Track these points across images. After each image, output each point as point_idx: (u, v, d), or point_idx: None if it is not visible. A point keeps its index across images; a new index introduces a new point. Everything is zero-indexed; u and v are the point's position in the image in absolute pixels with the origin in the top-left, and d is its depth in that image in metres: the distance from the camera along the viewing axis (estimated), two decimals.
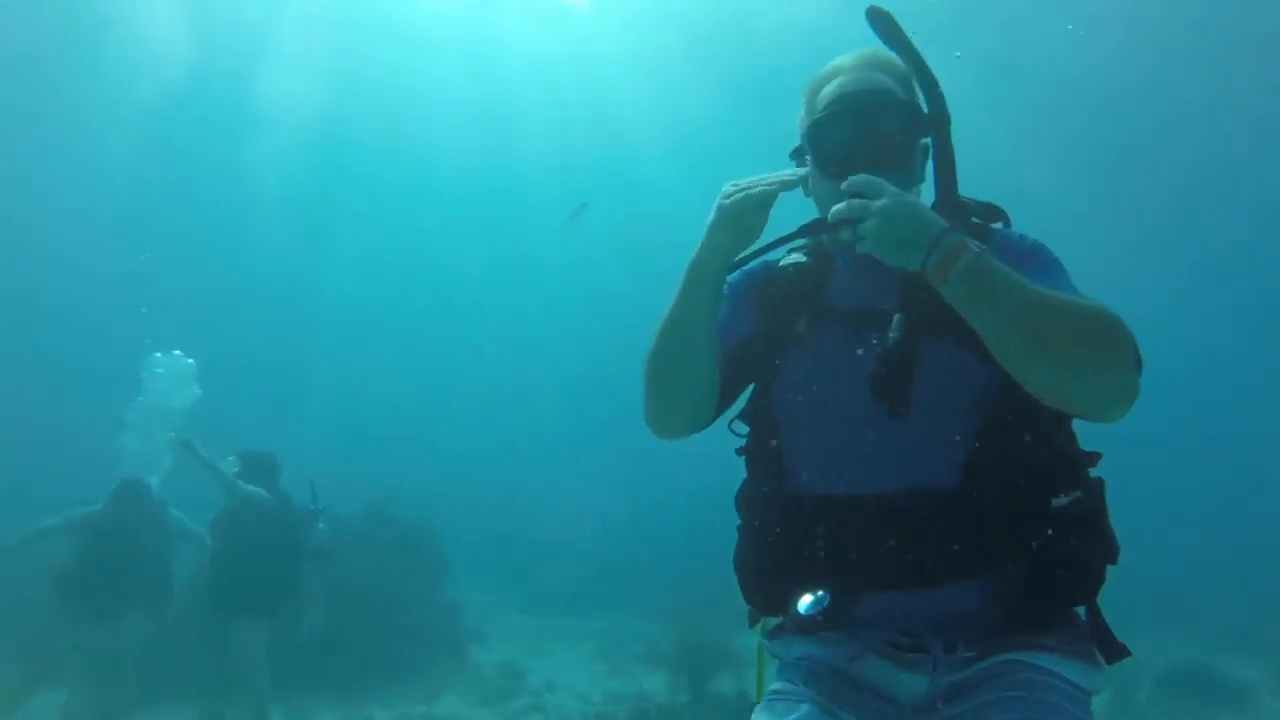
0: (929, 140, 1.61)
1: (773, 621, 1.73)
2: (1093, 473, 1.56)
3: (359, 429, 26.20)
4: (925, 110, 1.59)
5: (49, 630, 5.54)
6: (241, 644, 5.18)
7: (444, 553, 10.31)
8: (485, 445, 28.00)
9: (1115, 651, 1.53)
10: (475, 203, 26.28)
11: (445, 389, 30.59)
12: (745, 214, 1.48)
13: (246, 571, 5.05)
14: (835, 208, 1.42)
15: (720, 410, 1.66)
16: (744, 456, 1.69)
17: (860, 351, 1.54)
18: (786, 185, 1.51)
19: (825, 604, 1.51)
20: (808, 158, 1.65)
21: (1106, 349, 1.34)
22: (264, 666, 5.27)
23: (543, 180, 23.86)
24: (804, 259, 1.70)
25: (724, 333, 1.62)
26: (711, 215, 1.51)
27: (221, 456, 5.67)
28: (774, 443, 1.62)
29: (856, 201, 1.39)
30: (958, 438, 1.49)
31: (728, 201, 1.49)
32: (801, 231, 1.65)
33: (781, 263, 1.71)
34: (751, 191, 1.49)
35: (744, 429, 1.70)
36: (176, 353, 9.30)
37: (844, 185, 1.42)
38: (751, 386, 1.70)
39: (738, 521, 1.71)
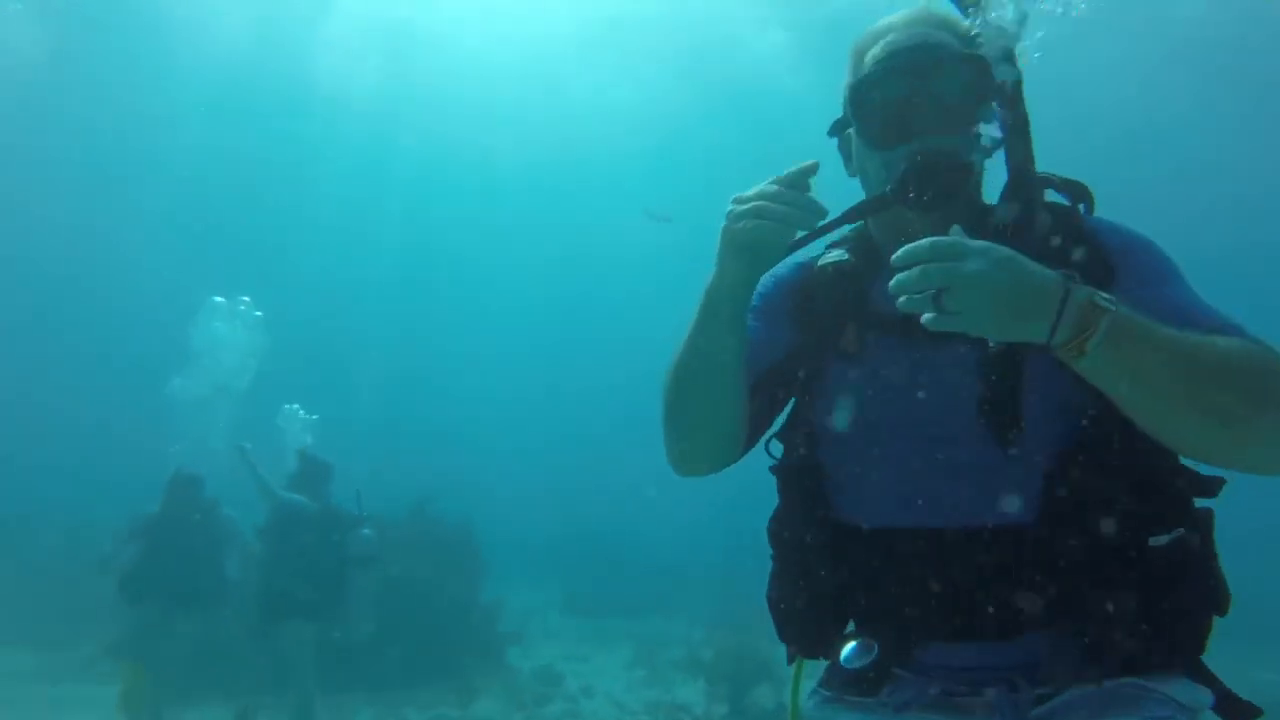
0: (996, 107, 1.39)
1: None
2: (1200, 501, 1.34)
3: (403, 425, 26.84)
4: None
5: (133, 629, 5.87)
6: (288, 649, 5.49)
7: (484, 553, 10.55)
8: (531, 443, 28.44)
9: (1241, 712, 1.32)
10: (523, 199, 26.61)
11: (491, 386, 31.11)
12: (758, 243, 1.29)
13: (292, 579, 5.34)
14: (899, 278, 1.13)
15: (751, 443, 1.52)
16: (778, 478, 1.54)
17: (917, 364, 1.37)
18: (806, 214, 1.29)
19: (875, 656, 1.38)
20: (851, 131, 1.46)
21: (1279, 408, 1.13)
22: (311, 670, 5.57)
23: (595, 177, 24.07)
24: (846, 256, 1.50)
25: (754, 354, 1.45)
26: (719, 241, 1.33)
27: (283, 454, 6.00)
28: (818, 466, 1.47)
29: (937, 266, 1.10)
30: (1046, 465, 1.30)
31: (737, 227, 1.29)
32: (846, 217, 1.41)
33: (820, 262, 1.52)
34: (764, 215, 1.27)
35: (780, 448, 1.55)
36: (245, 299, 9.33)
37: (897, 259, 1.13)
38: (791, 402, 1.55)
39: (770, 551, 1.55)
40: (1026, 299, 1.11)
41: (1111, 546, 1.27)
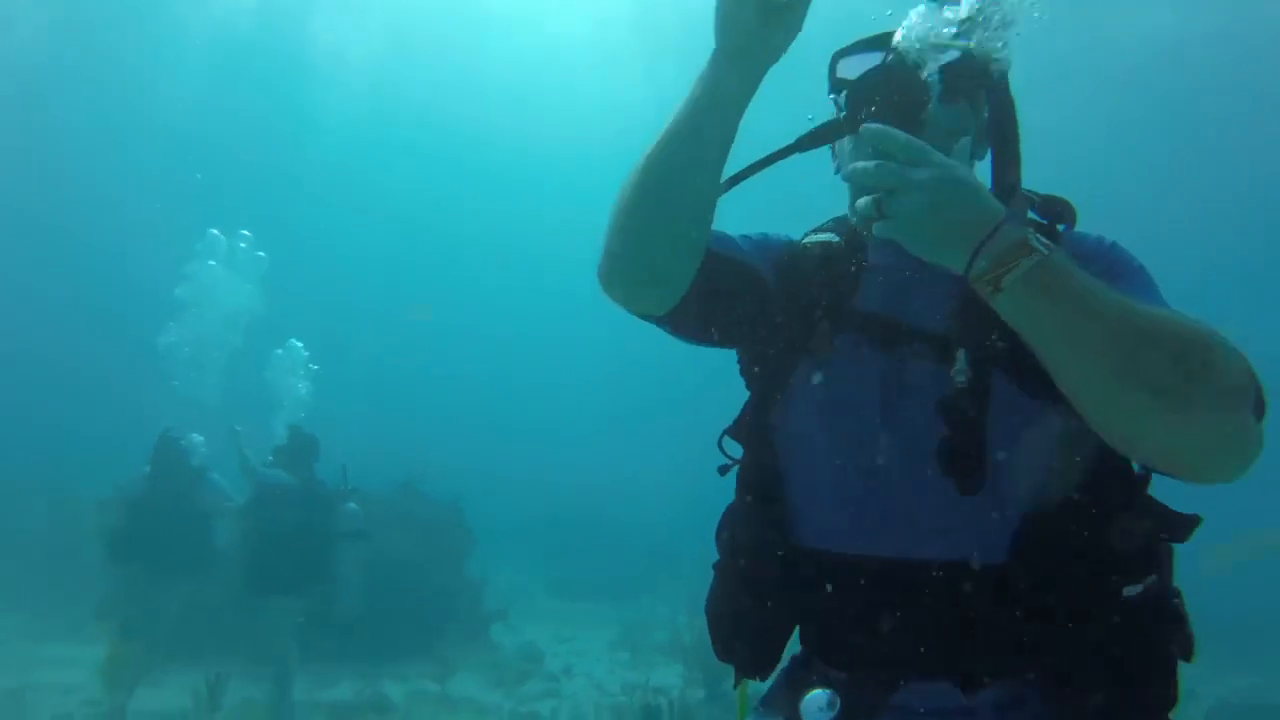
0: (983, 110, 1.36)
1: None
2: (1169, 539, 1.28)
3: (393, 403, 26.98)
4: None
5: (120, 592, 6.04)
6: (270, 624, 5.65)
7: (472, 530, 10.71)
8: (523, 423, 28.62)
9: None
10: (519, 181, 26.64)
11: (481, 364, 31.26)
12: None
13: (275, 555, 5.49)
14: (855, 164, 1.13)
15: (689, 291, 1.32)
16: (737, 482, 1.47)
17: (886, 382, 1.29)
18: None
19: (838, 712, 1.30)
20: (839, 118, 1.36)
21: (1218, 384, 1.04)
22: (292, 644, 5.73)
23: (594, 166, 24.07)
24: (835, 239, 1.42)
25: (731, 241, 1.41)
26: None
27: (270, 428, 6.11)
28: (776, 473, 1.39)
29: (889, 166, 1.10)
30: (1011, 509, 1.23)
31: None
32: (798, 145, 1.35)
33: (805, 241, 1.46)
34: None
35: (736, 449, 1.47)
36: (245, 233, 8.89)
37: (865, 134, 1.13)
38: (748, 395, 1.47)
39: (716, 557, 1.49)
40: (958, 221, 1.07)
41: (1080, 596, 1.21)
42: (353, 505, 5.99)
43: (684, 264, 1.30)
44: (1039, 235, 1.07)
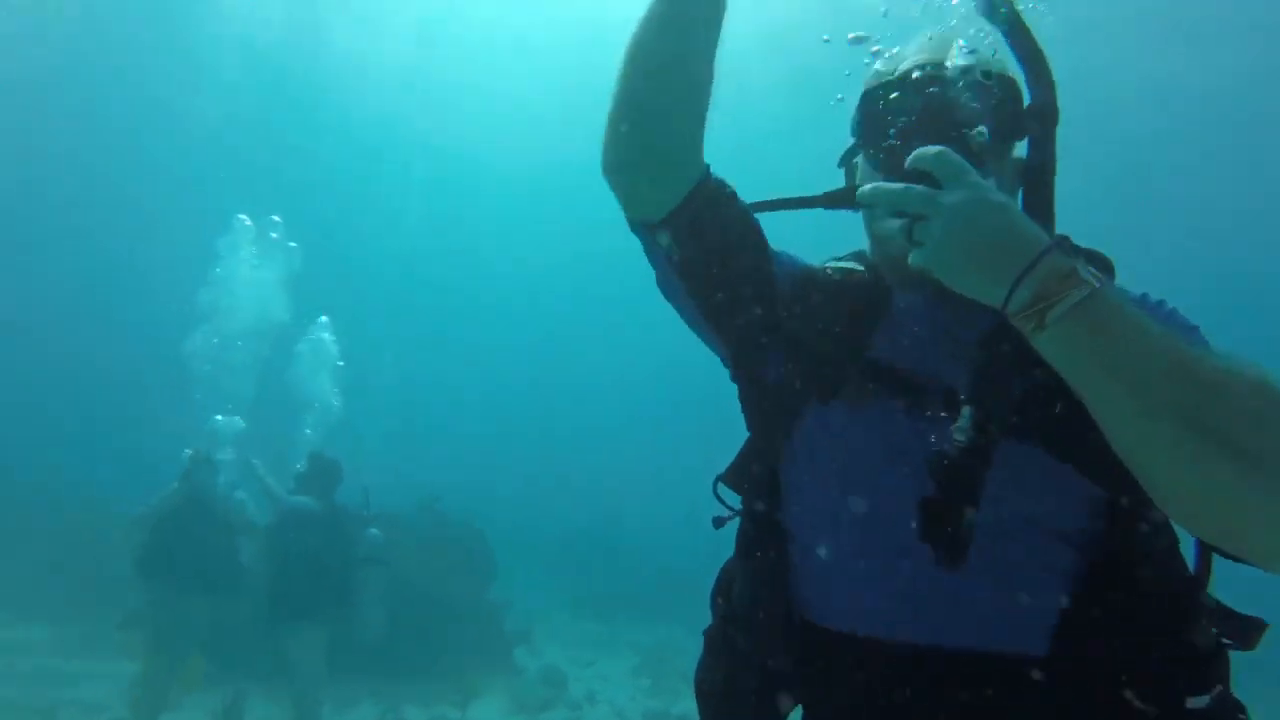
0: (1023, 150, 1.24)
1: None
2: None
3: (413, 421, 27.14)
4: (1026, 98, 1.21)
5: (147, 608, 6.18)
6: (294, 650, 5.75)
7: (494, 552, 10.76)
8: (542, 442, 28.68)
9: None
10: (532, 197, 26.83)
11: (501, 382, 31.39)
12: None
13: (299, 582, 5.61)
14: (878, 186, 1.06)
15: (696, 215, 1.25)
16: (737, 537, 1.35)
17: (894, 442, 1.16)
18: None
19: None
20: (858, 160, 1.31)
21: None
22: (320, 669, 5.82)
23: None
24: (858, 268, 1.31)
25: (755, 236, 1.32)
26: None
27: (294, 452, 6.21)
28: (779, 537, 1.27)
29: (918, 189, 1.01)
30: (1046, 588, 1.10)
31: None
32: (821, 200, 1.24)
33: (828, 266, 1.34)
34: None
35: (733, 498, 1.35)
36: (276, 219, 8.56)
37: (909, 161, 1.04)
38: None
39: (710, 621, 1.38)
40: (996, 249, 0.97)
41: (1135, 704, 1.06)
42: (374, 531, 6.09)
43: (684, 148, 1.24)
44: (1089, 266, 0.95)
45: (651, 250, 1.32)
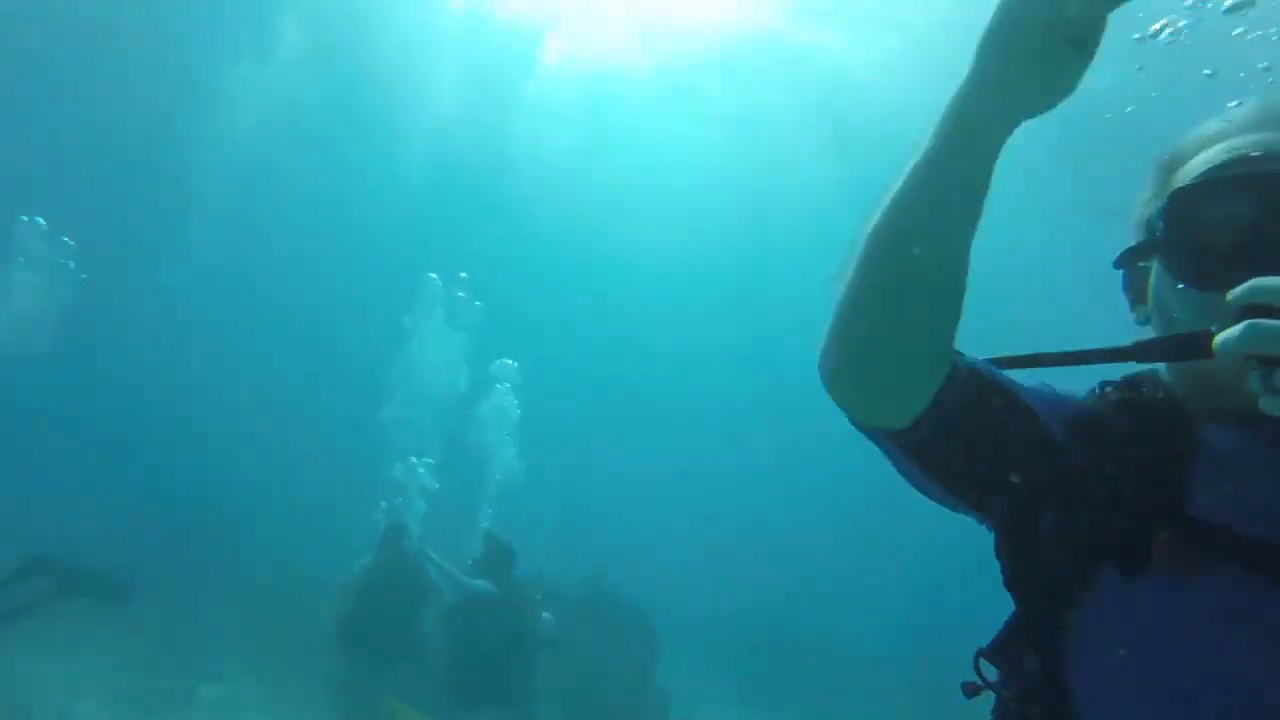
0: None
1: None
2: None
3: (576, 498, 27.67)
4: None
5: (349, 676, 6.72)
6: None
7: (659, 634, 10.72)
8: (707, 522, 28.47)
9: None
10: (710, 287, 27.22)
11: (662, 460, 31.49)
12: (1058, 30, 0.88)
13: (481, 669, 5.94)
14: (1227, 334, 0.80)
15: (938, 408, 1.06)
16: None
17: (1253, 633, 0.95)
18: None
19: None
20: (1154, 260, 1.10)
21: None
22: None
23: (784, 268, 24.33)
24: (1140, 393, 1.11)
25: (999, 372, 1.13)
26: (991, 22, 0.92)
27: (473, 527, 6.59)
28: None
29: (1274, 327, 0.78)
30: None
31: None
32: (1134, 353, 1.03)
33: (1099, 393, 1.13)
34: None
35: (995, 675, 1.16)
36: (463, 275, 9.56)
37: (1242, 293, 0.81)
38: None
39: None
40: None
41: None
42: (547, 615, 6.39)
43: (934, 357, 1.05)
44: None
45: (880, 442, 1.15)
